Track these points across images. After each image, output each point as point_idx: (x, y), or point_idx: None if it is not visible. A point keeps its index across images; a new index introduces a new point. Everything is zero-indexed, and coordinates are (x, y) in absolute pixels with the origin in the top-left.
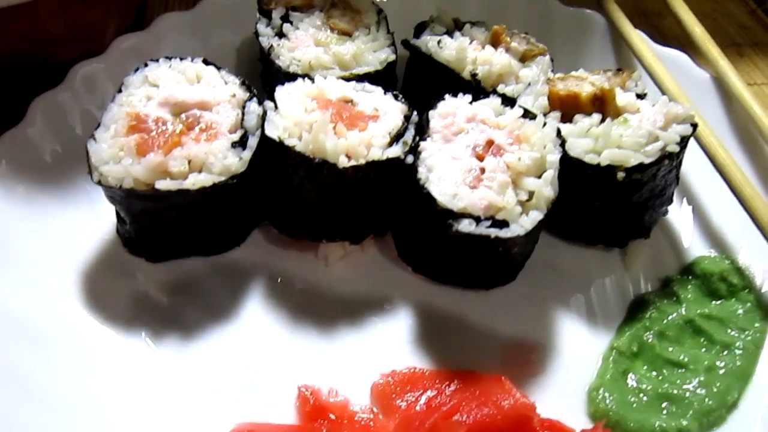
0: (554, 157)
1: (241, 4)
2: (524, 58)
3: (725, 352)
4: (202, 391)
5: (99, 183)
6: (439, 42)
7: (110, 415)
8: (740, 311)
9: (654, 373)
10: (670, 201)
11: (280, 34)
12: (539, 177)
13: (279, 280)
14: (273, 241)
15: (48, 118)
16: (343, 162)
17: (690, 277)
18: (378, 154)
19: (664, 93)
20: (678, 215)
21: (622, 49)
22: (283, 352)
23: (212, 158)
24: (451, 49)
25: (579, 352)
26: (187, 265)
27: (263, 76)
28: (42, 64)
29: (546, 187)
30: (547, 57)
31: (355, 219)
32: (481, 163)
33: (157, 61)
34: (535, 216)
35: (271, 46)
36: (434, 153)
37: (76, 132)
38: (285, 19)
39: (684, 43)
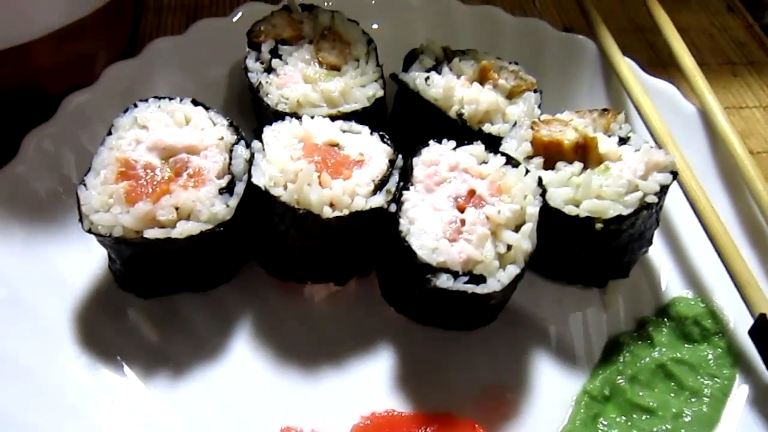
0: (533, 209)
1: (233, 27)
2: (511, 95)
3: (693, 399)
4: (190, 430)
5: (89, 231)
6: (427, 79)
7: None
8: (711, 357)
9: (623, 419)
10: (650, 243)
11: (269, 69)
12: (518, 229)
13: (266, 319)
14: (261, 278)
15: (40, 153)
16: (327, 213)
17: (665, 320)
18: (361, 203)
19: (649, 129)
20: (658, 254)
21: (612, 77)
22: (267, 392)
23: (200, 206)
24: (438, 86)
25: (553, 395)
26: (177, 301)
27: (254, 104)
28: (33, 96)
29: (524, 241)
30: (535, 93)
31: (340, 263)
32: (462, 214)
33: (147, 101)
34: (512, 271)
35: (260, 83)
36: (416, 203)
37: (69, 166)
38: (274, 52)
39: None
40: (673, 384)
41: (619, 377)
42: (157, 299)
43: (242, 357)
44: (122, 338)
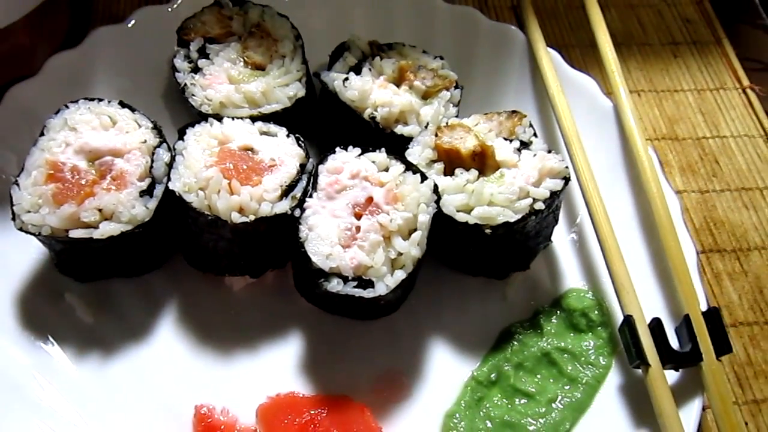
0: (425, 218)
1: (173, 15)
2: (427, 95)
3: (569, 386)
4: (113, 407)
5: (21, 229)
6: (345, 81)
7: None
8: (592, 346)
9: (505, 401)
10: (548, 239)
11: (196, 69)
12: (409, 236)
13: (189, 305)
14: (187, 267)
15: None
16: (235, 218)
17: (557, 310)
18: (267, 209)
19: (560, 128)
20: (561, 246)
21: (537, 70)
22: (185, 372)
23: (121, 208)
24: (354, 89)
25: (444, 380)
26: (111, 285)
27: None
28: None
29: (413, 248)
30: (451, 92)
31: (253, 259)
32: (358, 221)
33: (77, 102)
34: (399, 276)
35: (186, 84)
36: (317, 210)
37: (12, 156)
38: (202, 51)
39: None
40: (554, 371)
41: (505, 364)
42: (93, 283)
43: (166, 340)
44: (59, 319)
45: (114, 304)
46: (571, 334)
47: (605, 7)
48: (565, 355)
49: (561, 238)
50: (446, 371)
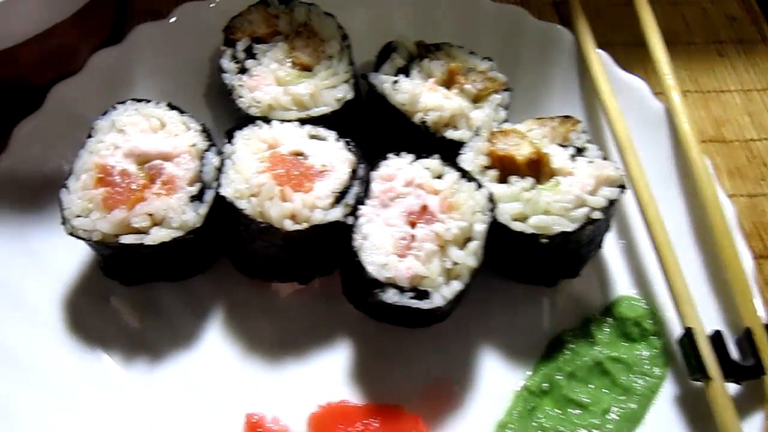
0: (480, 227)
1: (215, 11)
2: (477, 98)
3: (624, 396)
4: (162, 413)
5: (71, 234)
6: (394, 83)
7: None
8: (646, 356)
9: (558, 412)
10: (599, 247)
11: (243, 70)
12: (465, 246)
13: (235, 310)
14: (233, 271)
15: (29, 144)
16: (287, 226)
17: (608, 318)
18: (320, 217)
19: (613, 134)
20: (611, 253)
21: (585, 72)
22: (234, 379)
23: (171, 213)
24: (404, 92)
25: (494, 389)
26: (156, 289)
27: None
28: (19, 89)
29: (469, 258)
30: (502, 95)
31: (303, 266)
32: (413, 230)
33: (125, 103)
34: (456, 287)
35: (233, 85)
36: (372, 218)
37: (57, 155)
38: (249, 51)
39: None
40: (607, 381)
41: (557, 373)
42: (138, 287)
43: (213, 345)
44: (105, 324)
45: (160, 309)
46: (624, 344)
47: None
48: (619, 365)
49: (610, 244)
50: (497, 380)
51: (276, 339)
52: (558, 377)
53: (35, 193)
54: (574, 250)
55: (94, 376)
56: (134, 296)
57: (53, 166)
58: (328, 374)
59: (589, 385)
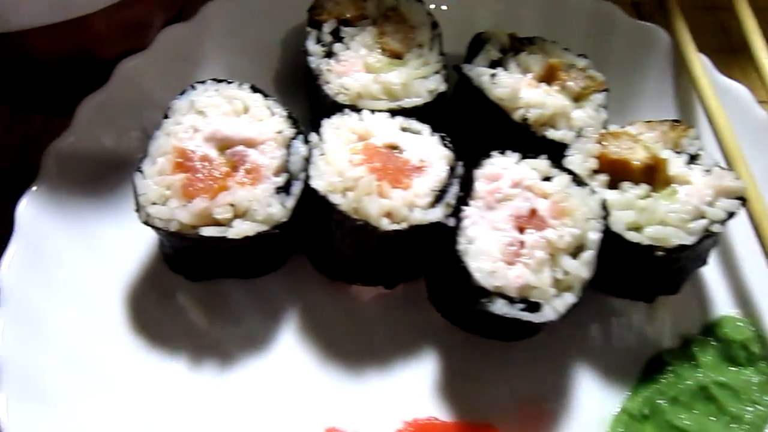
0: (595, 236)
1: None
2: (578, 97)
3: (733, 425)
4: (232, 423)
5: (146, 223)
6: (493, 76)
7: None
8: (755, 382)
9: None
10: (705, 262)
11: (330, 54)
12: (577, 255)
13: (312, 312)
14: (308, 270)
15: (93, 122)
16: (385, 225)
17: (711, 339)
18: (420, 216)
19: (720, 144)
20: (711, 270)
21: (682, 76)
22: (312, 389)
23: (256, 205)
24: (505, 86)
25: (591, 411)
26: (225, 286)
27: (308, 85)
28: (86, 63)
29: (583, 269)
30: (603, 94)
31: (391, 269)
32: (522, 236)
33: (204, 83)
34: (569, 299)
35: (320, 70)
36: (477, 221)
37: (122, 136)
38: (335, 34)
39: None
40: (713, 407)
41: (659, 397)
42: (205, 283)
43: (288, 350)
44: (171, 323)
45: (229, 308)
46: (730, 368)
47: (729, 10)
48: (725, 391)
49: (710, 260)
50: (593, 401)
51: (357, 347)
52: (660, 401)
53: (99, 176)
54: (682, 265)
55: (160, 378)
56: (201, 293)
57: (118, 147)
58: (414, 388)
59: (694, 411)
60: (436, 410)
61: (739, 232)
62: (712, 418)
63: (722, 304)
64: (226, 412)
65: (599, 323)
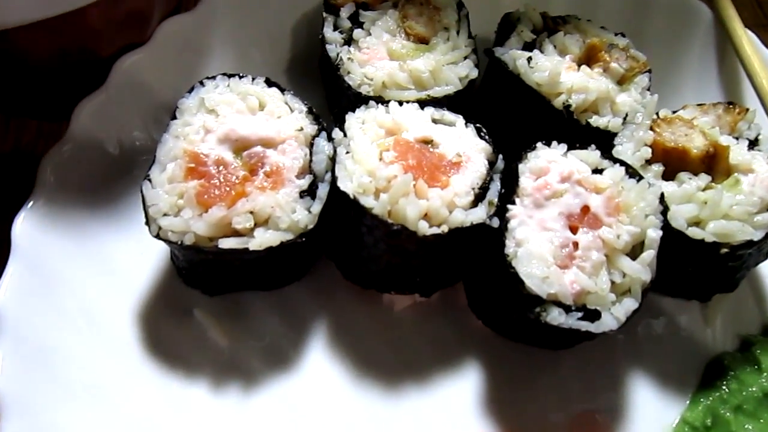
0: (655, 234)
1: None
2: (622, 80)
3: None
4: None
5: (158, 237)
6: (529, 60)
7: None
8: None
9: None
10: (766, 257)
11: (349, 41)
12: (636, 255)
13: (341, 325)
14: (334, 278)
15: (92, 126)
16: (424, 229)
17: None
18: (461, 218)
19: None
20: (766, 265)
21: (727, 53)
22: (346, 409)
23: (279, 212)
24: (543, 70)
25: (650, 422)
26: (245, 300)
27: (323, 74)
28: (83, 60)
29: (644, 271)
30: (647, 75)
31: (428, 275)
32: (575, 236)
33: (215, 78)
34: (629, 305)
35: (341, 59)
36: (524, 221)
37: (125, 140)
38: (354, 19)
39: None
40: None
41: (722, 406)
42: (223, 297)
43: (317, 367)
44: (189, 342)
45: (251, 323)
46: None
47: None
48: None
49: None
50: (651, 412)
51: (392, 361)
52: (723, 411)
53: (101, 186)
54: (745, 261)
55: (179, 405)
56: (220, 308)
57: (121, 152)
58: (457, 404)
59: (760, 420)
60: (481, 427)
61: None
62: None
63: None
64: None
65: (652, 326)
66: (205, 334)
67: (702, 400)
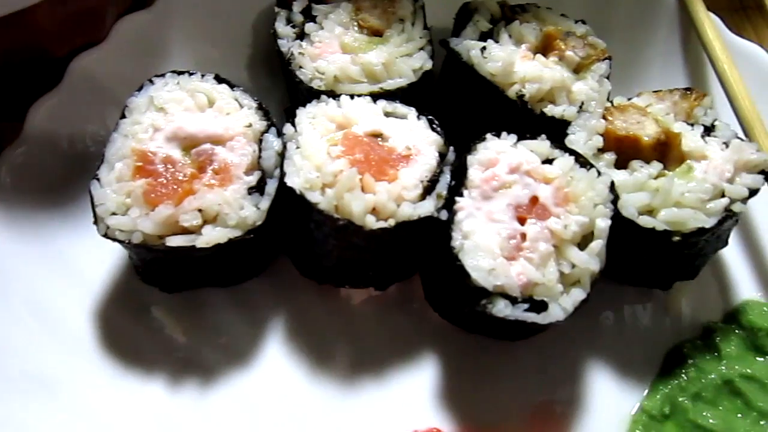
0: (604, 223)
1: None
2: (579, 68)
3: (762, 421)
4: None
5: (105, 236)
6: (483, 50)
7: None
8: None
9: None
10: (725, 243)
11: (302, 35)
12: (585, 245)
13: (299, 320)
14: (293, 274)
15: (47, 128)
16: (371, 223)
17: (734, 327)
18: (409, 211)
19: (736, 112)
20: (731, 252)
21: (692, 39)
22: (303, 403)
23: (227, 209)
24: (496, 60)
25: (609, 411)
26: (204, 297)
27: (284, 73)
28: (37, 60)
29: (592, 261)
30: (605, 63)
31: (381, 269)
32: (523, 227)
33: (164, 76)
34: (577, 296)
35: (292, 53)
36: (472, 213)
37: (80, 141)
38: (307, 13)
39: None
40: (740, 403)
41: (680, 394)
42: (182, 294)
43: (275, 362)
44: (146, 340)
45: (209, 320)
46: (757, 358)
47: None
48: (753, 384)
49: (730, 241)
50: (610, 401)
51: (349, 355)
52: (681, 399)
53: (57, 186)
54: (701, 248)
55: (136, 403)
56: (178, 305)
57: (77, 153)
58: (414, 397)
59: (719, 408)
60: (438, 420)
61: (760, 208)
62: (738, 414)
63: (745, 288)
64: None
65: (612, 315)
66: (163, 331)
67: (661, 388)
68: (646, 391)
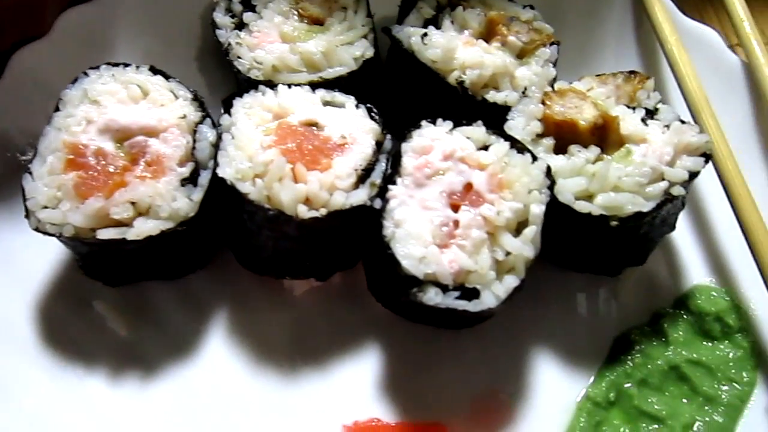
0: (539, 209)
1: None
2: (523, 53)
3: (707, 407)
4: None
5: (37, 230)
6: (423, 36)
7: None
8: (732, 358)
9: (629, 427)
10: (672, 228)
11: (241, 25)
12: (519, 230)
13: (242, 313)
14: (237, 266)
15: None
16: (302, 213)
17: (683, 313)
18: (341, 201)
19: (683, 93)
20: (681, 236)
21: (643, 21)
22: (244, 396)
23: (159, 200)
24: (436, 47)
25: (554, 400)
26: (147, 290)
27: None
28: None
29: (526, 248)
30: (550, 49)
31: (320, 259)
32: (456, 214)
33: (98, 68)
34: (510, 282)
35: (229, 44)
36: (404, 201)
37: (20, 136)
38: (246, 3)
39: None
40: (686, 388)
41: (626, 380)
42: (126, 288)
43: (217, 356)
44: (87, 333)
45: (152, 313)
46: (704, 343)
47: None
48: (699, 369)
49: (680, 225)
50: (555, 389)
51: (291, 347)
52: (627, 385)
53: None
54: (645, 233)
55: (76, 398)
56: (121, 299)
57: (16, 147)
58: (355, 387)
59: (665, 394)
60: (379, 411)
61: (710, 192)
62: (684, 400)
63: (697, 273)
64: (151, 429)
65: (560, 302)
66: (105, 325)
67: (607, 375)
68: (592, 378)
